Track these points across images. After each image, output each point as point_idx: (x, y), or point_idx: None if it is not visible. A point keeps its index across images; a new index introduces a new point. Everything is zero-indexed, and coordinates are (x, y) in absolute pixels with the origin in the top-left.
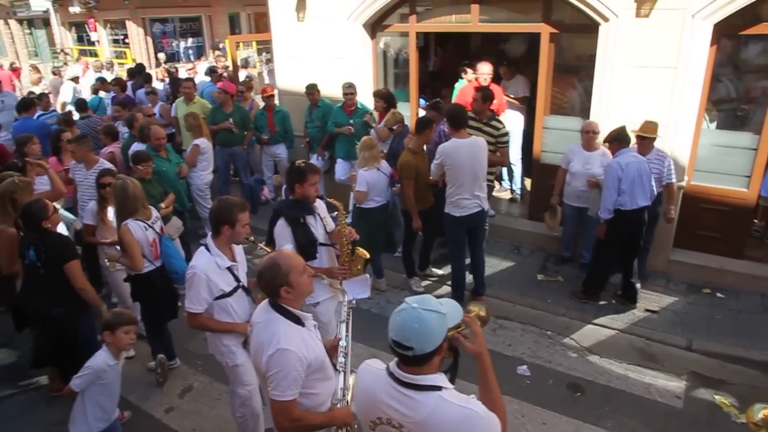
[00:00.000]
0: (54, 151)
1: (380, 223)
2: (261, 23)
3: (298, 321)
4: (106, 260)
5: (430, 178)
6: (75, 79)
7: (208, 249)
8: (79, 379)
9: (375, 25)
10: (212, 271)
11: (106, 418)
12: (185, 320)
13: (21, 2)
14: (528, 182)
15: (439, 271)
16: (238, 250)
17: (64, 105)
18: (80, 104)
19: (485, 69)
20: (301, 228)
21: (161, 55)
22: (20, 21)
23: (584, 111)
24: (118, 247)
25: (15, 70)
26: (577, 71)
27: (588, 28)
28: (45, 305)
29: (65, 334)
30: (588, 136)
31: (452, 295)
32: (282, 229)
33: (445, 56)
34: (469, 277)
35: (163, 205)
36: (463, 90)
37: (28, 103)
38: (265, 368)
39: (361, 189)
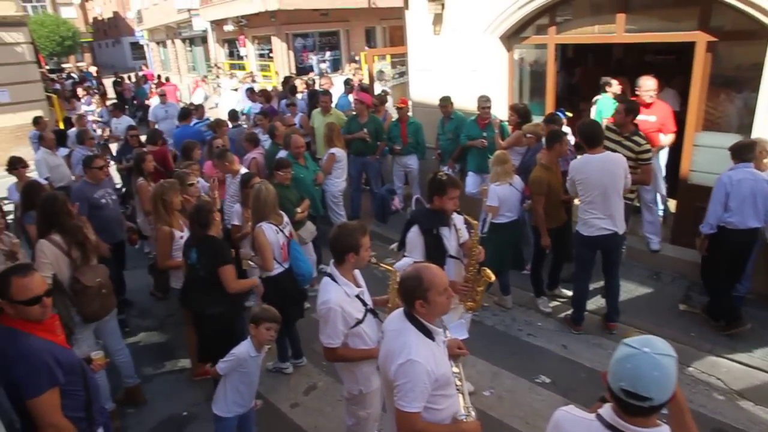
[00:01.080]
0: (209, 156)
1: (510, 238)
2: (395, 36)
3: (429, 335)
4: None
5: (566, 194)
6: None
7: (334, 279)
8: (223, 364)
9: (512, 38)
10: (345, 302)
11: (243, 404)
12: (312, 321)
13: (185, 24)
14: (672, 203)
15: (569, 292)
16: (357, 273)
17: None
18: (231, 114)
19: (649, 84)
20: (433, 238)
21: (323, 65)
22: (183, 40)
23: (743, 128)
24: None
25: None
26: (736, 83)
27: (754, 34)
28: (203, 305)
29: (221, 331)
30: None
31: (571, 317)
32: (415, 237)
33: (585, 69)
34: (601, 301)
35: (299, 209)
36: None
37: (186, 113)
38: (392, 377)
39: (492, 203)
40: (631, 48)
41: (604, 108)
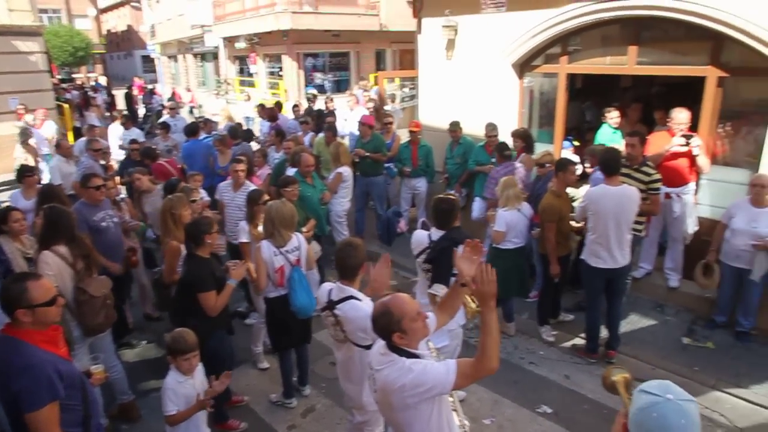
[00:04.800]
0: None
1: (516, 265)
2: (405, 59)
3: (416, 357)
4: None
5: (574, 222)
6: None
7: (357, 298)
8: (169, 403)
9: (524, 65)
10: None
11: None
12: (313, 342)
13: (198, 39)
14: None
15: (570, 316)
16: None
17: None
18: (233, 131)
19: (682, 117)
20: None
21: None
22: (195, 55)
23: (752, 163)
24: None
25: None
26: (745, 118)
27: (764, 71)
28: (180, 316)
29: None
30: (757, 190)
31: (585, 347)
32: None
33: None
34: (603, 331)
35: (304, 229)
36: (656, 136)
37: (194, 128)
38: (408, 395)
39: (499, 229)
40: (639, 79)
41: (603, 138)
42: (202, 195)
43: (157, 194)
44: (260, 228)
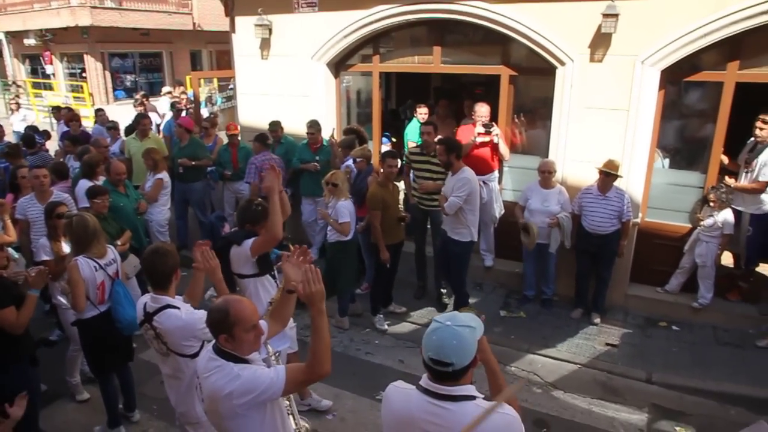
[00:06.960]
0: (12, 188)
1: (353, 257)
2: (222, 60)
3: (245, 362)
4: (59, 297)
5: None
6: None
7: (175, 306)
8: None
9: (339, 65)
10: None
11: None
12: (139, 362)
13: None
14: None
15: (402, 309)
16: None
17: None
18: (27, 139)
19: (483, 110)
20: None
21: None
22: None
23: (543, 150)
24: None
25: None
26: (535, 112)
27: (545, 71)
28: None
29: None
30: (545, 175)
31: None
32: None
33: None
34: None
35: (119, 242)
36: (462, 129)
37: None
38: (235, 404)
39: (345, 219)
40: (449, 78)
41: (411, 131)
42: None
43: None
44: (64, 244)
